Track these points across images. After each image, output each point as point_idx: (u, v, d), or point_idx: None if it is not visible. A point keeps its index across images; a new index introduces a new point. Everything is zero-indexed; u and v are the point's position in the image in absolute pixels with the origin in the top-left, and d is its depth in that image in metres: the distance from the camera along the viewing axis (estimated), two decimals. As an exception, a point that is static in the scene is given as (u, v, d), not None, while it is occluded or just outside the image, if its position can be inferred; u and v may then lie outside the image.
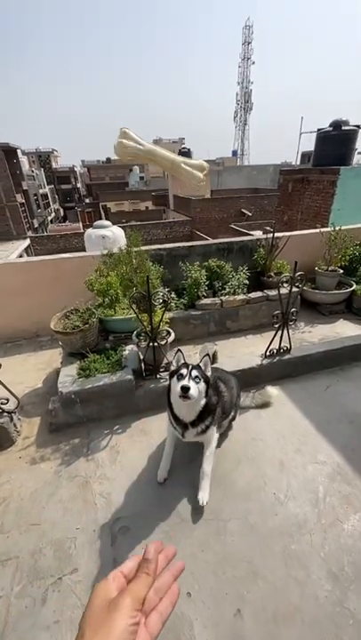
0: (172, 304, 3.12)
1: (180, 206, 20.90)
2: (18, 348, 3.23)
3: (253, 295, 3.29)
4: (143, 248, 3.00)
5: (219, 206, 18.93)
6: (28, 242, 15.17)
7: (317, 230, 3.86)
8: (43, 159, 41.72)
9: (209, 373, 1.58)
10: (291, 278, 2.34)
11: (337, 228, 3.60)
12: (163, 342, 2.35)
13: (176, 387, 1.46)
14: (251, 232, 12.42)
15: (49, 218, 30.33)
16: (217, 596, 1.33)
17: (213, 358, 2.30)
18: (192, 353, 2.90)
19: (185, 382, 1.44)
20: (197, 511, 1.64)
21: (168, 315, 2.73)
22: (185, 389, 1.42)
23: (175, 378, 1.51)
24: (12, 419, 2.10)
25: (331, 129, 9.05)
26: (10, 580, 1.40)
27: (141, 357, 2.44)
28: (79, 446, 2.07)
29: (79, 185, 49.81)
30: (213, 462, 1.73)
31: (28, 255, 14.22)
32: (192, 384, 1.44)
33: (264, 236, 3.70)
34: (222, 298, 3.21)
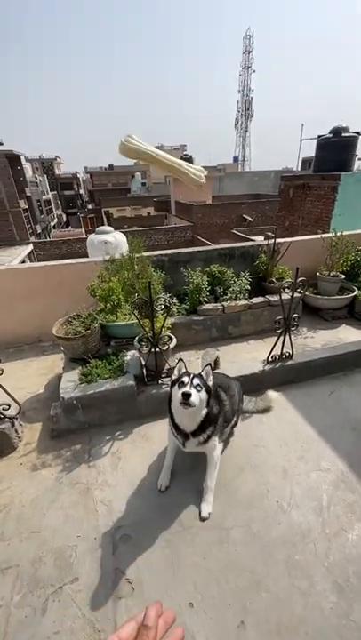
0: (174, 309, 3.12)
1: (181, 212, 21.06)
2: (20, 353, 3.23)
3: (255, 300, 3.29)
4: (145, 254, 3.01)
5: (220, 212, 19.05)
6: (30, 247, 15.33)
7: (319, 236, 3.87)
8: (46, 166, 42.23)
9: (210, 383, 1.57)
10: (292, 284, 2.34)
11: (338, 234, 3.61)
12: (165, 348, 2.35)
13: (177, 394, 1.45)
14: (252, 237, 12.49)
15: (52, 223, 30.64)
16: (220, 606, 1.30)
17: (215, 364, 2.29)
18: (194, 358, 2.90)
19: (186, 389, 1.43)
20: (200, 519, 1.62)
21: (170, 320, 2.73)
22: (186, 396, 1.41)
23: (176, 386, 1.51)
24: (13, 424, 2.10)
25: (331, 135, 9.15)
26: (10, 589, 1.38)
27: (143, 363, 2.43)
28: (81, 452, 2.06)
29: (82, 191, 50.35)
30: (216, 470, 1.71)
31: (30, 260, 14.36)
32: (193, 392, 1.44)
33: (266, 242, 3.71)
34: (224, 303, 3.21)
